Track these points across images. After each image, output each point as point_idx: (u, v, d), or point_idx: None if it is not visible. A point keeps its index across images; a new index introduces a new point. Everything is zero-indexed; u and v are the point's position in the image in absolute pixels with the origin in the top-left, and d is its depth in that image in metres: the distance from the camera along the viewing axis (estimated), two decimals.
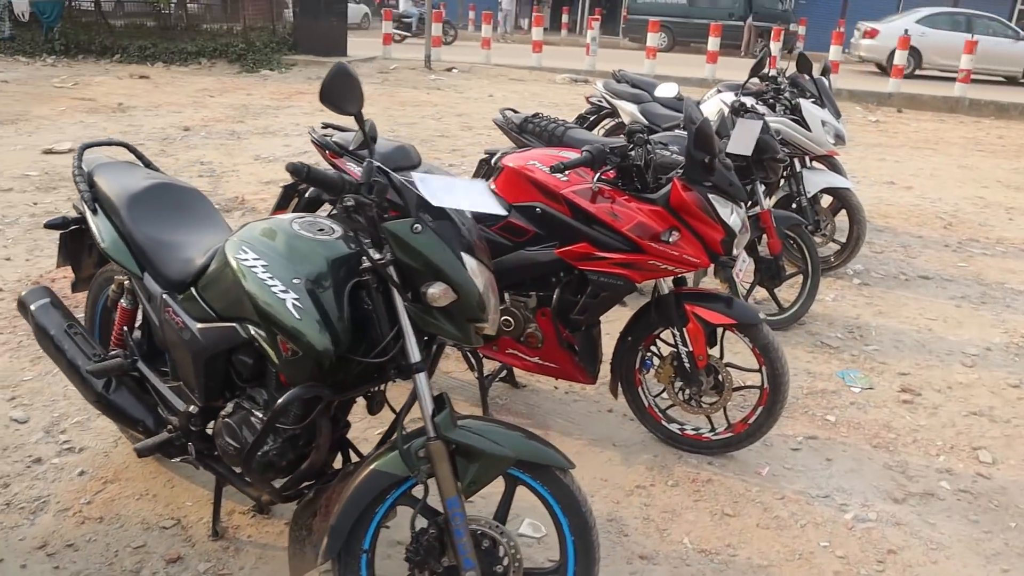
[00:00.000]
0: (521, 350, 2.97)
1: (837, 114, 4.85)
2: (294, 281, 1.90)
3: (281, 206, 3.59)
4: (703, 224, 2.62)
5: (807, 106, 4.69)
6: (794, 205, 4.88)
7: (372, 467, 1.90)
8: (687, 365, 2.83)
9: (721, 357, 2.90)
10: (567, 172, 2.74)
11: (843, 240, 4.92)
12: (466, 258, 1.80)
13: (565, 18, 24.98)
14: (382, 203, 1.80)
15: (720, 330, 2.85)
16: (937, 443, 3.19)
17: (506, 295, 2.95)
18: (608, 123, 5.85)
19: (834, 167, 5.74)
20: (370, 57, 14.70)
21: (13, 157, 6.85)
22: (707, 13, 18.66)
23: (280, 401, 1.91)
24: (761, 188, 4.02)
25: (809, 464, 2.99)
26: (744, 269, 3.07)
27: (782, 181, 4.91)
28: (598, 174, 2.66)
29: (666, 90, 4.63)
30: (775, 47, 13.05)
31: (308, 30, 14.08)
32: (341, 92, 1.75)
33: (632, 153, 2.72)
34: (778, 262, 4.05)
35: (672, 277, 2.78)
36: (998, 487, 2.93)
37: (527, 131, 4.32)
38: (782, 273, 4.10)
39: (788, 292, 4.27)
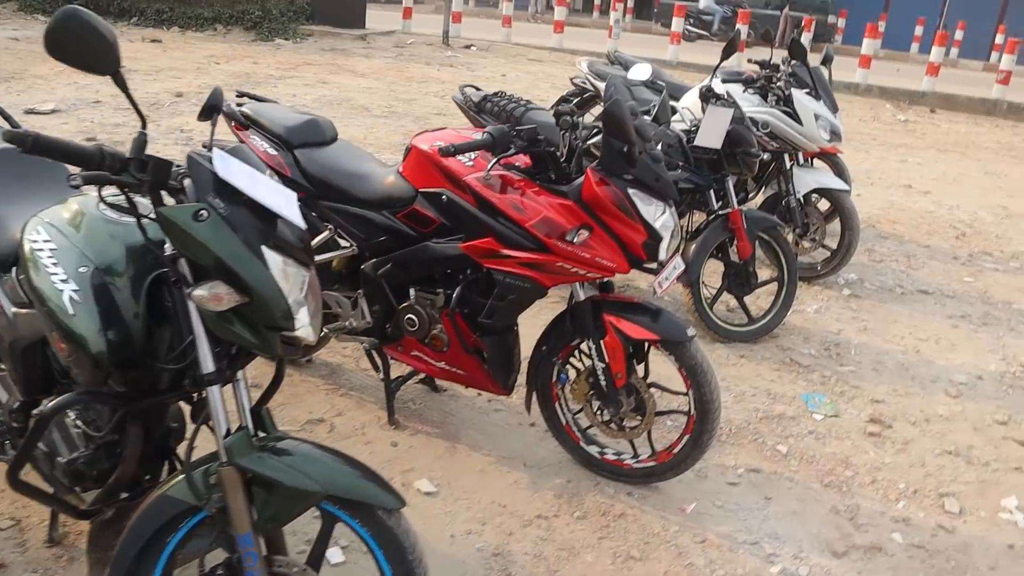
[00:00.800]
0: (426, 353, 2.65)
1: (834, 108, 4.43)
2: (80, 270, 1.62)
3: None
4: (620, 223, 2.27)
5: (800, 97, 4.28)
6: (783, 205, 4.49)
7: (160, 492, 1.61)
8: (603, 382, 2.48)
9: (646, 376, 2.55)
10: (473, 156, 2.40)
11: (834, 246, 4.51)
12: (268, 254, 1.47)
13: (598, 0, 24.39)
14: (160, 182, 1.48)
15: (647, 345, 2.50)
16: (899, 485, 2.81)
17: (411, 291, 2.62)
18: (595, 106, 5.47)
19: (836, 166, 5.32)
20: (389, 30, 14.37)
21: None
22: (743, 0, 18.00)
23: (51, 405, 1.62)
24: (732, 182, 3.64)
25: (744, 502, 2.63)
26: (670, 279, 2.70)
27: (773, 179, 4.51)
28: (494, 160, 2.31)
29: (639, 72, 4.24)
30: (806, 38, 12.43)
31: (326, 0, 13.76)
32: (80, 45, 1.38)
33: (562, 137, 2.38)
34: (748, 268, 3.67)
35: (589, 282, 2.43)
36: (960, 543, 2.55)
37: (485, 111, 3.95)
38: (752, 280, 3.72)
39: (766, 300, 3.89)
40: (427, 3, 21.61)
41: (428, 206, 2.51)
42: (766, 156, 4.43)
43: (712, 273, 3.81)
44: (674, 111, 4.01)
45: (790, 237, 4.55)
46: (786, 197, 4.43)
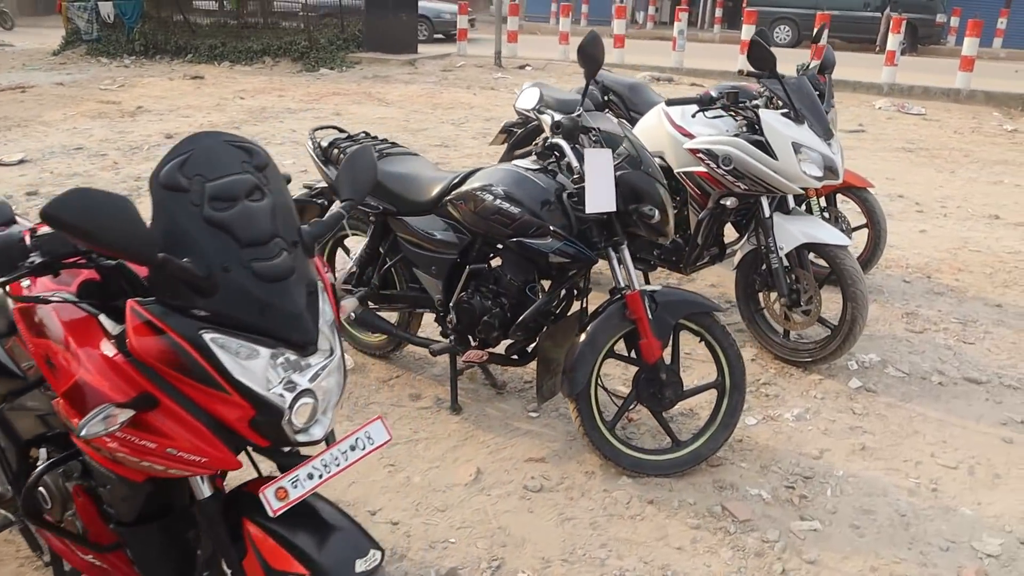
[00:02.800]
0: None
1: (827, 133, 3.23)
2: None
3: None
4: (199, 392, 1.29)
5: (770, 120, 3.13)
6: (763, 265, 3.34)
7: None
8: None
9: None
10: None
11: (834, 323, 3.29)
12: None
13: (652, 10, 22.93)
14: None
15: None
16: None
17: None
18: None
19: (866, 205, 4.09)
20: (443, 54, 13.73)
21: None
22: (838, 3, 16.17)
23: None
24: (624, 254, 2.55)
25: None
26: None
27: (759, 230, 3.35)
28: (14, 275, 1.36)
29: (525, 100, 3.21)
30: (895, 40, 10.76)
31: (377, 26, 13.25)
32: None
33: None
34: (657, 374, 2.56)
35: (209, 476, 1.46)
36: None
37: (332, 160, 3.06)
38: (672, 390, 2.61)
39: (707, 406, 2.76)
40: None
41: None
42: (728, 203, 3.30)
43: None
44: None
45: (776, 307, 3.38)
46: (766, 255, 3.27)
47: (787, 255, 3.24)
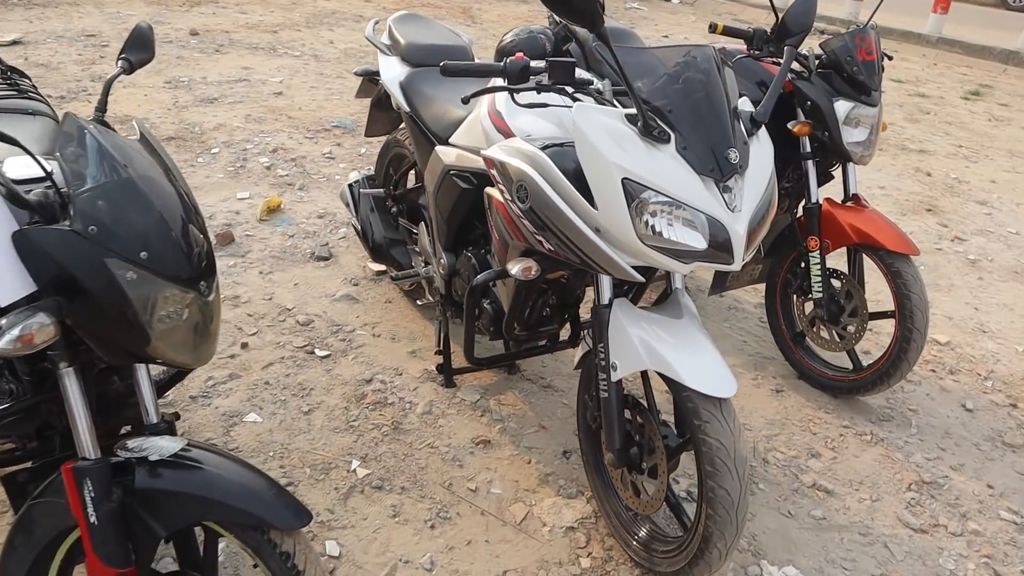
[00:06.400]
0: None
1: (727, 165, 1.64)
2: None
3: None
4: None
5: (584, 123, 1.61)
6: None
7: None
8: None
9: None
10: None
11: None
12: None
13: None
14: None
15: None
16: None
17: None
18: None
19: (900, 279, 2.48)
20: None
21: None
22: None
23: None
24: None
25: None
26: None
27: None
28: None
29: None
30: None
31: None
32: None
33: None
34: None
35: None
36: None
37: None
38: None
39: None
40: None
41: None
42: (529, 272, 1.82)
43: None
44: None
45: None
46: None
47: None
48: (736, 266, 1.61)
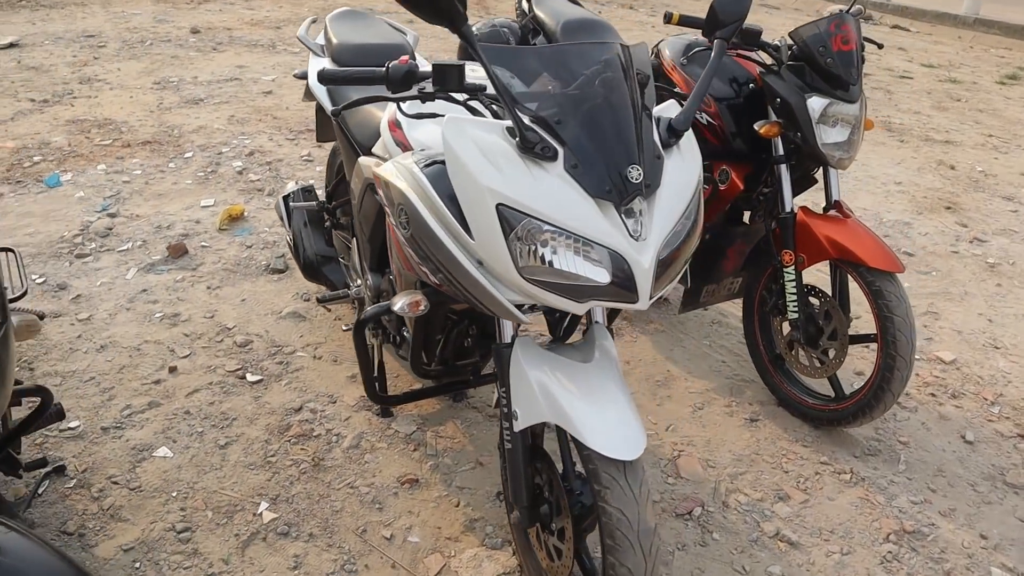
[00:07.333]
0: None
1: (631, 186, 1.40)
2: None
3: None
4: None
5: (453, 137, 1.38)
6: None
7: None
8: None
9: None
10: None
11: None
12: None
13: None
14: None
15: None
16: None
17: None
18: None
19: (883, 299, 2.25)
20: None
21: None
22: None
23: None
24: None
25: None
26: None
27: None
28: None
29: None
30: None
31: None
32: None
33: None
34: None
35: None
36: None
37: None
38: None
39: None
40: None
41: None
42: (414, 306, 1.60)
43: None
44: None
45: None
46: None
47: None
48: (642, 304, 1.36)
